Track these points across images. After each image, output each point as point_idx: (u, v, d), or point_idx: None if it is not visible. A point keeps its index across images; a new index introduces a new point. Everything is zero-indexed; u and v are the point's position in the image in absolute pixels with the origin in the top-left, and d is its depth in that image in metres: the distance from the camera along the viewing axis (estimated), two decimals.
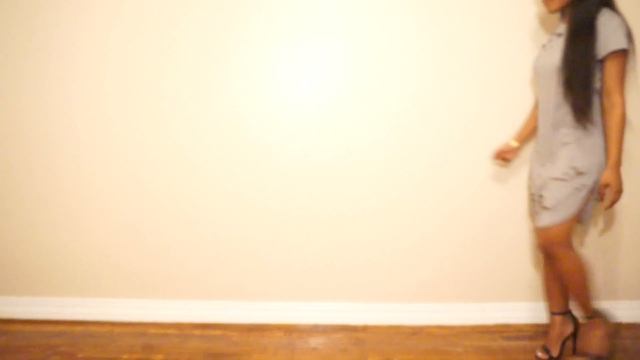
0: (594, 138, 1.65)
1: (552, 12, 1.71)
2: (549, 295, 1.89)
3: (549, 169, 1.72)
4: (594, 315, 1.75)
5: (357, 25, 2.13)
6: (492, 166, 2.18)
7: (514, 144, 2.00)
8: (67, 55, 2.17)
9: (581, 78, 1.61)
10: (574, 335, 1.86)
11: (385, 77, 2.15)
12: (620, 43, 1.57)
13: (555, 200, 1.66)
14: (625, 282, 2.22)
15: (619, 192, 1.62)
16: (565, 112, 1.68)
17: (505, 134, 2.18)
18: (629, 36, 1.61)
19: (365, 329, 2.13)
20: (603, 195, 1.64)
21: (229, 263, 2.21)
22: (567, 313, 1.87)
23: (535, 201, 1.81)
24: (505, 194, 2.19)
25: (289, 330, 2.13)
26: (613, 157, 1.61)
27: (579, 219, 1.73)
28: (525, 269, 2.21)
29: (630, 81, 2.14)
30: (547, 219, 1.68)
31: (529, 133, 1.99)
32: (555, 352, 1.83)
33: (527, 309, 2.20)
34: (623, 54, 1.59)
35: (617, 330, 1.82)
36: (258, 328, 2.14)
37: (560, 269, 1.72)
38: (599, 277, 2.22)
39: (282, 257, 2.20)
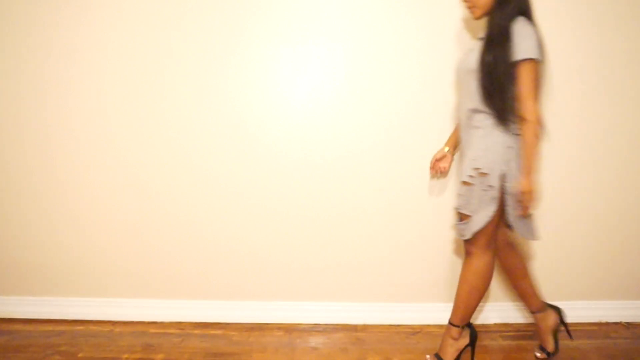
0: (496, 136, 1.65)
1: (476, 19, 1.75)
2: (521, 297, 1.90)
3: (462, 168, 1.74)
4: (463, 327, 1.77)
5: (357, 25, 2.14)
6: None
7: (446, 148, 1.99)
8: (66, 55, 2.17)
9: (494, 83, 1.63)
10: (563, 323, 1.88)
11: (385, 77, 2.15)
12: (529, 52, 1.58)
13: (469, 206, 1.67)
14: (625, 282, 2.23)
15: (529, 199, 1.62)
16: (476, 114, 1.70)
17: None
18: (540, 46, 1.63)
19: (365, 328, 2.13)
20: (521, 201, 1.63)
21: (229, 263, 2.21)
22: (545, 308, 1.88)
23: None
24: None
25: (289, 329, 2.13)
26: (527, 164, 1.61)
27: (507, 222, 1.71)
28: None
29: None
30: (465, 229, 1.70)
31: (459, 139, 1.93)
32: (550, 347, 1.84)
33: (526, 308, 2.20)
34: (533, 63, 1.60)
35: (470, 347, 1.81)
36: (258, 328, 2.15)
37: (467, 266, 1.73)
38: (597, 277, 2.22)
39: (282, 257, 2.20)
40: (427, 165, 2.17)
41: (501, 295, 2.22)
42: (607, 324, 2.19)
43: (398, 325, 2.18)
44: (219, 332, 2.10)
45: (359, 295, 2.20)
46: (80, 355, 1.85)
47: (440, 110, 2.15)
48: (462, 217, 1.72)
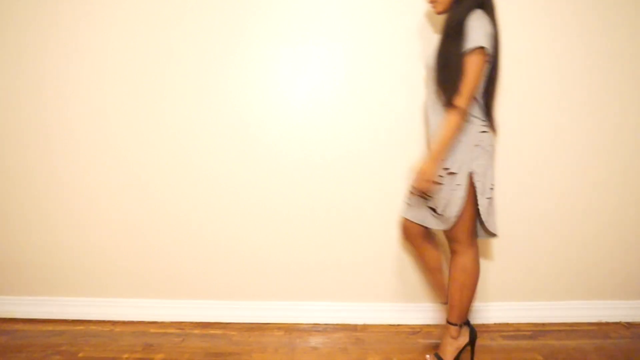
0: (462, 135, 1.66)
1: (438, 14, 1.75)
2: (438, 289, 1.90)
3: None
4: (461, 324, 1.77)
5: (357, 25, 2.14)
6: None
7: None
8: (66, 55, 2.17)
9: (448, 75, 1.64)
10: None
11: (385, 77, 2.15)
12: (476, 42, 1.58)
13: (440, 205, 1.69)
14: (625, 282, 2.23)
15: (425, 180, 1.64)
16: (437, 110, 1.71)
17: (505, 133, 2.18)
18: (493, 39, 1.63)
19: (365, 328, 2.13)
20: (416, 182, 1.66)
21: (229, 263, 2.21)
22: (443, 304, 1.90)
23: (413, 193, 1.82)
24: (503, 193, 2.19)
25: (289, 329, 2.13)
26: (436, 149, 1.62)
27: (482, 220, 1.72)
28: (522, 268, 2.21)
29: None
30: (438, 224, 1.72)
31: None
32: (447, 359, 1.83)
33: (527, 308, 2.21)
34: (478, 53, 1.60)
35: (470, 347, 1.81)
36: (258, 327, 2.15)
37: (456, 265, 1.74)
38: (597, 277, 2.23)
39: (282, 257, 2.20)
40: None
41: (501, 295, 2.22)
42: (607, 324, 2.19)
43: (398, 325, 2.18)
44: (219, 332, 2.10)
45: (359, 295, 2.20)
46: (80, 355, 1.85)
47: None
48: (436, 212, 1.73)
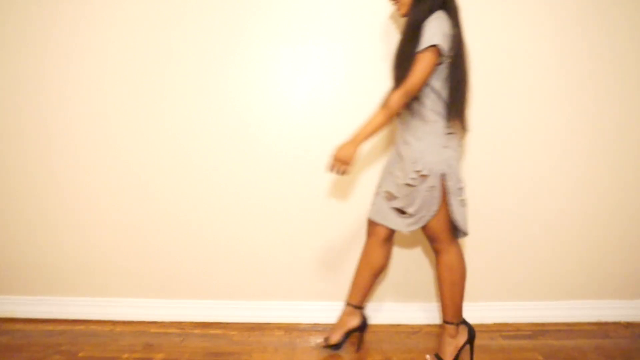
0: (430, 138, 1.67)
1: (402, 16, 1.75)
2: (356, 286, 1.89)
3: (399, 168, 1.74)
4: (457, 323, 1.77)
5: (357, 25, 2.14)
6: (491, 163, 2.18)
7: None
8: (66, 55, 2.17)
9: (402, 74, 1.65)
10: (361, 330, 1.89)
11: (385, 77, 2.15)
12: (428, 41, 1.60)
13: (414, 206, 1.70)
14: (625, 282, 2.23)
15: (340, 160, 1.67)
16: (404, 109, 1.72)
17: (504, 133, 2.18)
18: (453, 40, 1.64)
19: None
20: (332, 163, 1.69)
21: (229, 263, 2.21)
22: (358, 308, 1.89)
23: (379, 194, 1.83)
24: (502, 193, 2.19)
25: (289, 329, 2.13)
26: (360, 133, 1.66)
27: (454, 220, 1.73)
28: (522, 268, 2.21)
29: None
30: (410, 225, 1.73)
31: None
32: (334, 339, 1.86)
33: (526, 308, 2.21)
34: (427, 52, 1.61)
35: (469, 345, 1.82)
36: (258, 327, 2.15)
37: (441, 265, 1.76)
38: (597, 277, 2.23)
39: (282, 257, 2.21)
40: None
41: (501, 295, 2.22)
42: (607, 323, 2.20)
43: (398, 325, 2.18)
44: (219, 332, 2.10)
45: None
46: (80, 354, 1.85)
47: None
48: (408, 214, 1.73)
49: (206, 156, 2.18)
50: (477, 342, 1.97)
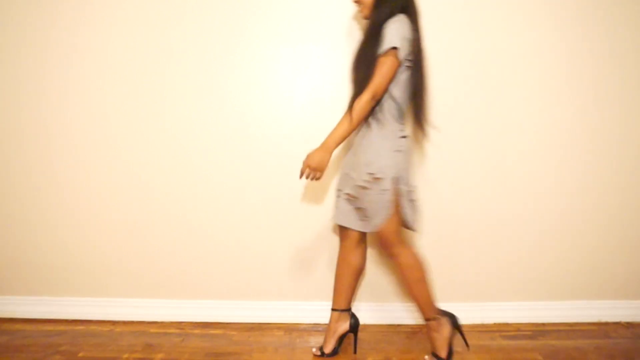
0: (384, 141, 1.68)
1: (364, 18, 1.76)
2: (338, 290, 1.89)
3: (354, 169, 1.74)
4: (436, 317, 1.77)
5: (357, 25, 2.14)
6: (491, 164, 2.18)
7: None
8: (66, 54, 2.17)
9: (364, 77, 1.65)
10: (354, 333, 1.89)
11: None
12: (389, 43, 1.60)
13: (368, 209, 1.71)
14: (625, 282, 2.23)
15: (311, 167, 1.66)
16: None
17: (505, 135, 2.18)
18: (413, 44, 1.65)
19: (365, 328, 2.13)
20: (303, 170, 1.68)
21: (229, 263, 2.21)
22: (344, 311, 1.88)
23: (340, 197, 1.83)
24: (504, 194, 2.19)
25: (289, 329, 2.13)
26: (330, 140, 1.65)
27: (404, 222, 1.75)
28: (522, 268, 2.21)
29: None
30: (366, 227, 1.74)
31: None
32: (327, 349, 1.85)
33: (526, 308, 2.21)
34: (389, 56, 1.62)
35: (457, 332, 1.83)
36: (258, 327, 2.15)
37: (399, 268, 1.76)
38: (597, 277, 2.23)
39: (282, 257, 2.20)
40: (426, 164, 2.17)
41: (501, 295, 2.22)
42: (607, 323, 2.20)
43: (398, 325, 2.18)
44: (219, 332, 2.10)
45: (358, 295, 2.19)
46: (80, 354, 1.85)
47: (439, 110, 2.15)
48: (363, 217, 1.75)
49: (206, 156, 2.18)
50: (477, 342, 1.97)
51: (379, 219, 1.69)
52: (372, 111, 1.69)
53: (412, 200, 1.74)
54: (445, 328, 1.78)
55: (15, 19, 2.17)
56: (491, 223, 2.19)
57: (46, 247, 2.23)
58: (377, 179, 1.66)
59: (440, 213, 2.19)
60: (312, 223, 2.19)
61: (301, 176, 1.70)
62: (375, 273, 2.20)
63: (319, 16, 2.14)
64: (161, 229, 2.21)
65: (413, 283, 1.75)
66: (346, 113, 1.65)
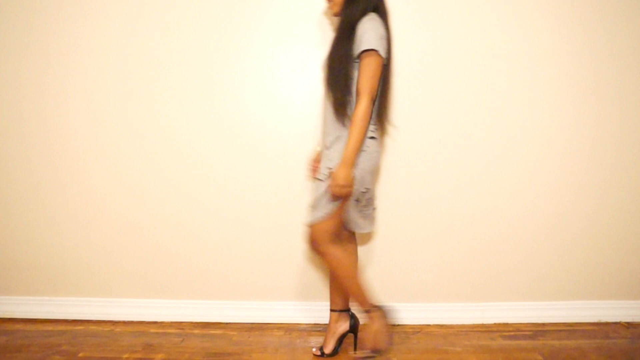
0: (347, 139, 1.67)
1: (334, 16, 1.76)
2: (333, 291, 1.89)
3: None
4: (370, 309, 1.78)
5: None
6: (491, 164, 2.18)
7: (318, 148, 1.98)
8: (67, 53, 2.17)
9: (337, 76, 1.66)
10: (354, 333, 1.88)
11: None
12: (369, 44, 1.60)
13: (315, 199, 1.72)
14: (625, 282, 2.23)
15: (339, 186, 1.63)
16: (329, 112, 1.73)
17: (505, 135, 2.18)
18: (386, 42, 1.65)
19: (365, 328, 2.12)
20: (331, 188, 1.65)
21: (229, 263, 2.21)
22: (343, 311, 1.88)
23: None
24: (504, 194, 2.19)
25: (289, 329, 2.13)
26: (347, 154, 1.63)
27: (344, 221, 1.74)
28: (522, 268, 2.21)
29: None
30: (309, 217, 1.74)
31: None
32: (328, 349, 1.85)
33: (527, 308, 2.21)
34: (373, 56, 1.62)
35: (392, 324, 1.84)
36: (258, 327, 2.15)
37: (328, 265, 1.77)
38: (597, 277, 2.22)
39: (282, 257, 2.20)
40: (426, 164, 2.17)
41: (501, 295, 2.22)
42: (607, 323, 2.20)
43: (398, 325, 2.18)
44: (219, 332, 2.10)
45: None
46: (80, 355, 1.85)
47: (439, 110, 2.16)
48: (311, 206, 1.75)
49: (206, 156, 2.18)
50: (477, 342, 1.97)
51: (320, 213, 1.70)
52: (338, 111, 1.68)
53: (360, 202, 1.72)
54: (378, 321, 1.78)
55: (15, 19, 2.17)
56: (491, 223, 2.19)
57: (46, 247, 2.23)
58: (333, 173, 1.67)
59: (440, 213, 2.19)
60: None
61: (335, 199, 1.67)
62: (374, 272, 2.20)
63: (319, 16, 2.14)
64: (161, 229, 2.21)
65: (343, 279, 1.75)
66: (353, 124, 1.62)
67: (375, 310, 1.78)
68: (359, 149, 1.64)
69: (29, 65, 2.18)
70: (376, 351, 1.77)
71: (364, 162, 1.69)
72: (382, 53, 1.63)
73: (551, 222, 2.20)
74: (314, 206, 1.72)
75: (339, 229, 1.76)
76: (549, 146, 2.18)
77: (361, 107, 1.62)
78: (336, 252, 1.73)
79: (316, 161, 1.96)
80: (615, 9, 2.16)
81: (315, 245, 1.74)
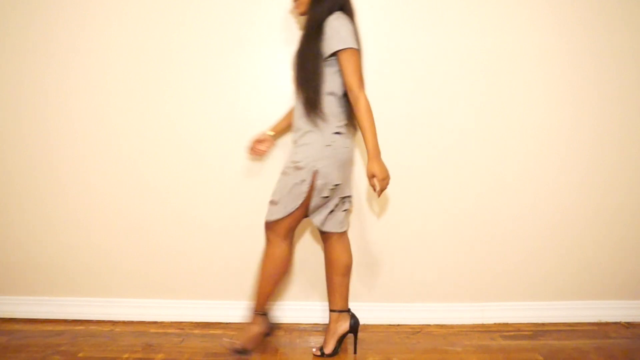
0: (318, 134, 1.69)
1: (301, 15, 1.77)
2: (330, 292, 1.89)
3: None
4: (259, 314, 1.81)
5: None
6: (492, 164, 2.18)
7: (270, 132, 2.02)
8: (67, 53, 2.17)
9: (307, 75, 1.68)
10: (354, 333, 1.87)
11: (385, 76, 2.15)
12: (346, 42, 1.63)
13: (279, 194, 1.72)
14: (625, 282, 2.23)
15: (384, 179, 1.65)
16: (299, 108, 1.75)
17: (506, 135, 2.18)
18: (356, 36, 1.67)
19: (365, 328, 2.13)
20: (374, 186, 1.66)
21: (229, 263, 2.21)
22: (343, 311, 1.88)
23: None
24: (504, 194, 2.19)
25: (289, 329, 2.13)
26: (369, 148, 1.64)
27: (307, 213, 1.76)
28: (522, 268, 2.21)
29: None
30: (272, 213, 1.74)
31: (284, 127, 2.03)
32: (328, 349, 1.85)
33: (526, 308, 2.21)
34: (353, 53, 1.64)
35: (272, 332, 1.88)
36: None
37: (264, 253, 1.79)
38: (597, 277, 2.23)
39: None
40: (427, 164, 2.17)
41: (501, 295, 2.22)
42: (607, 323, 2.20)
43: (398, 325, 2.18)
44: (219, 332, 2.10)
45: (359, 295, 2.19)
46: (80, 355, 1.85)
47: (439, 110, 2.16)
48: (272, 201, 1.76)
49: (207, 156, 2.18)
50: (477, 342, 1.97)
51: (285, 209, 1.71)
52: (308, 107, 1.69)
53: (331, 198, 1.74)
54: (256, 326, 1.81)
55: (16, 18, 2.17)
56: (491, 223, 2.19)
57: (46, 247, 2.23)
58: (298, 167, 1.68)
59: (440, 213, 2.19)
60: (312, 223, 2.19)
61: (380, 194, 1.67)
62: (374, 272, 2.20)
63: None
64: (161, 229, 2.20)
65: (266, 276, 1.77)
66: (361, 121, 1.64)
67: (261, 317, 1.82)
68: (376, 140, 1.65)
69: (29, 65, 2.18)
70: (241, 351, 1.79)
71: (329, 157, 1.69)
72: (358, 47, 1.66)
73: (551, 222, 2.20)
74: (279, 201, 1.72)
75: (296, 225, 1.77)
76: (549, 146, 2.18)
77: (361, 102, 1.63)
78: (278, 249, 1.76)
79: (258, 142, 2.00)
80: (615, 9, 2.16)
81: (270, 234, 1.77)
